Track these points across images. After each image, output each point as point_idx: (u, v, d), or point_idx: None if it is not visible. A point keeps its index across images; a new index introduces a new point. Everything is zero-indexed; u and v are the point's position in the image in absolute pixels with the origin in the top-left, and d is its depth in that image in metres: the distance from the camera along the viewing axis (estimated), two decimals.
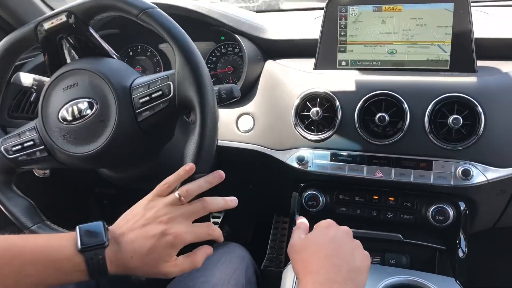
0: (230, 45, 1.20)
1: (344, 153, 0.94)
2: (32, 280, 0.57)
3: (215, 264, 0.87)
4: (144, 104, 0.73)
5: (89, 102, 0.75)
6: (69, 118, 0.75)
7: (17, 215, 0.80)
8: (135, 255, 0.61)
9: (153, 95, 0.73)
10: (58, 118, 0.77)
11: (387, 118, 0.90)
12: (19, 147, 0.81)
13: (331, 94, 0.94)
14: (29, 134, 0.81)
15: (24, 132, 0.82)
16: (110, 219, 0.67)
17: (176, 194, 0.65)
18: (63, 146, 0.77)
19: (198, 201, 0.67)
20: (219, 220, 1.62)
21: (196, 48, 0.72)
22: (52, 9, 1.32)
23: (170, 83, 0.72)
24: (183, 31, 0.73)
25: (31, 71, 1.04)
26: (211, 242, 0.69)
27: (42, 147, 0.80)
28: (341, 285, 0.60)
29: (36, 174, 0.92)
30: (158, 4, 0.76)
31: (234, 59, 1.20)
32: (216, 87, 0.79)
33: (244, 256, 0.94)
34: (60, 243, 0.59)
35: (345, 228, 0.73)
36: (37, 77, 0.87)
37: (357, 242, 0.71)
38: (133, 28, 1.19)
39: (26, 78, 0.87)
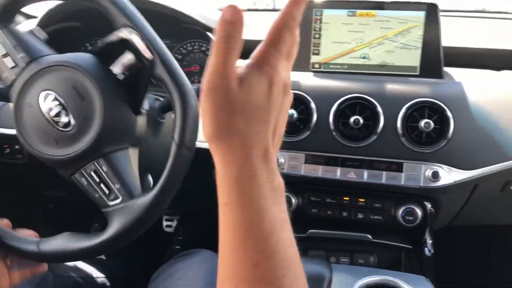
0: (196, 43, 1.18)
1: (319, 155, 0.95)
2: None
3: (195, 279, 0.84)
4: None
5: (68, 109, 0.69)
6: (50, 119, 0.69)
7: None
8: None
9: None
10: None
11: (361, 121, 0.91)
12: None
13: (307, 96, 0.95)
14: None
15: None
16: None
17: None
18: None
19: None
20: (173, 224, 1.58)
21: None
22: None
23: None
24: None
25: None
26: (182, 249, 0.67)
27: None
28: (273, 157, 0.43)
29: None
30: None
31: (201, 57, 1.18)
32: None
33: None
34: None
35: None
36: None
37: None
38: (95, 22, 1.13)
39: None
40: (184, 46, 1.18)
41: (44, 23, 1.08)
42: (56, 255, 0.69)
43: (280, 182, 0.43)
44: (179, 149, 0.65)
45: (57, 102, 0.68)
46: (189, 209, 1.54)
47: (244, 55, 0.46)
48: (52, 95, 0.68)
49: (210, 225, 1.63)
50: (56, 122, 0.68)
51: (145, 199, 0.66)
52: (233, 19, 0.40)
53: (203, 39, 1.15)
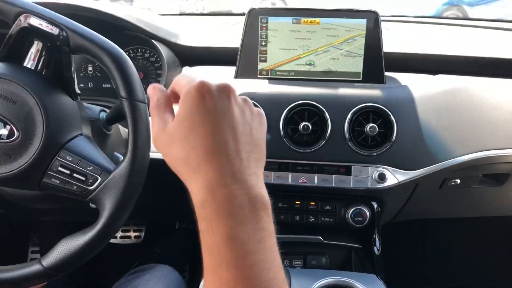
0: (140, 50, 1.15)
1: (270, 161, 0.96)
2: None
3: None
4: (60, 173, 0.67)
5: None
6: None
7: None
8: None
9: (75, 175, 0.67)
10: None
11: (310, 127, 0.93)
12: None
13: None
14: None
15: None
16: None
17: None
18: None
19: None
20: (141, 234, 1.53)
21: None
22: None
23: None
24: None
25: None
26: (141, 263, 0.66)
27: None
28: (242, 173, 0.42)
29: None
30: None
31: (145, 64, 1.15)
32: None
33: (178, 280, 0.90)
34: None
35: (220, 85, 0.46)
36: None
37: (243, 99, 0.49)
38: None
39: None
40: (127, 53, 1.14)
41: None
42: (63, 263, 0.65)
43: (258, 195, 0.42)
44: (133, 105, 0.66)
45: None
46: (156, 219, 1.51)
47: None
48: None
49: (184, 240, 1.60)
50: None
51: (125, 166, 0.65)
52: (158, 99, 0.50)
53: (146, 46, 1.12)
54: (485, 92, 1.01)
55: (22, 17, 0.64)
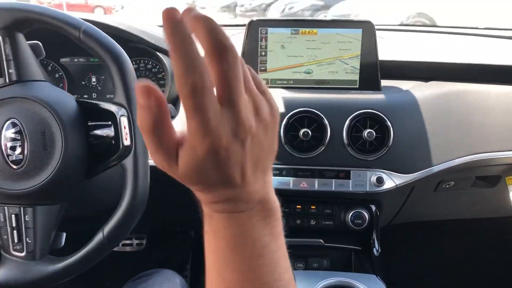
0: (142, 61, 1.18)
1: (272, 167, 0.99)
2: None
3: None
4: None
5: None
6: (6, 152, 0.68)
7: None
8: None
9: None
10: None
11: (310, 133, 0.97)
12: None
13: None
14: None
15: None
16: None
17: None
18: None
19: None
20: (143, 242, 1.55)
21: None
22: None
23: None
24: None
25: None
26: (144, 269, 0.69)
27: None
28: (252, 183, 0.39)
29: None
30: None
31: (147, 75, 1.18)
32: None
33: (181, 284, 0.93)
34: None
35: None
36: None
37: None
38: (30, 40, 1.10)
39: None
40: None
41: None
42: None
43: (266, 200, 0.41)
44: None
45: (18, 136, 0.66)
46: (158, 228, 1.53)
47: None
48: (18, 127, 0.67)
49: (184, 245, 1.62)
50: (8, 155, 0.67)
51: (41, 270, 0.67)
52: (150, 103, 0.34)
53: (149, 57, 1.16)
54: (476, 97, 1.06)
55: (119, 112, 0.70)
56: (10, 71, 0.70)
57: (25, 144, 0.67)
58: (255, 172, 0.40)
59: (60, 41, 0.85)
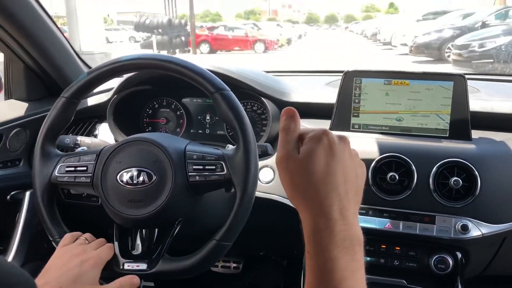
0: (249, 103, 1.34)
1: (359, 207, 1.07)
2: None
3: None
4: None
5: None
6: (130, 181, 0.83)
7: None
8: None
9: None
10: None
11: (397, 177, 1.03)
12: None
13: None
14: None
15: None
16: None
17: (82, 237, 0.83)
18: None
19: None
20: (240, 266, 1.69)
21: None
22: (87, 66, 1.44)
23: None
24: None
25: None
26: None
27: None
28: (348, 212, 0.53)
29: None
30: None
31: (252, 115, 1.34)
32: None
33: None
34: None
35: (340, 135, 0.58)
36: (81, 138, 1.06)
37: (353, 151, 0.59)
38: (161, 84, 1.32)
39: (70, 139, 1.03)
40: None
41: (121, 88, 1.27)
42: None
43: (356, 232, 0.52)
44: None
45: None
46: (255, 252, 1.67)
47: None
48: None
49: (277, 272, 1.74)
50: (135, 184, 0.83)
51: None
52: (290, 115, 0.58)
53: (255, 100, 1.31)
54: None
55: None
56: None
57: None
58: (353, 201, 0.55)
59: (183, 85, 1.03)
